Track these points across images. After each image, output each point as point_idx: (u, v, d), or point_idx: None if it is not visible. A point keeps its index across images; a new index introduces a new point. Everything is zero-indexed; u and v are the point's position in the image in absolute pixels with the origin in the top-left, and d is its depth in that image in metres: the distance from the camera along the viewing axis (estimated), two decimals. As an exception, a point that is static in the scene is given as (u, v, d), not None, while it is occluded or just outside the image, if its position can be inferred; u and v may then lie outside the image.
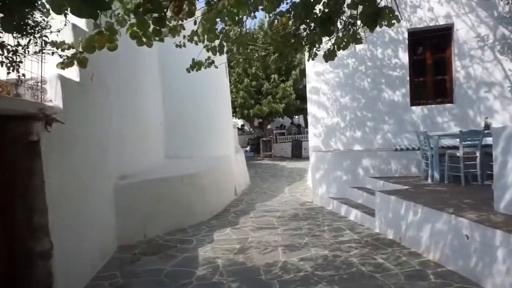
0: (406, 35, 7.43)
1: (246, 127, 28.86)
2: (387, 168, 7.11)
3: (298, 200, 8.64)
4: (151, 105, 7.59)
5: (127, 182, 5.58)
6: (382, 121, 7.64)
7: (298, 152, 21.02)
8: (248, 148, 22.38)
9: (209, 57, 5.36)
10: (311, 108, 8.13)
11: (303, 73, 17.85)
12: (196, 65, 4.99)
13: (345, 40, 5.07)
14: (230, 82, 17.60)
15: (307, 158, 20.52)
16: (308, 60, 5.89)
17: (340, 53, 7.68)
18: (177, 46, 4.93)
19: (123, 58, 6.21)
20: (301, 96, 18.34)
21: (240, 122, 28.39)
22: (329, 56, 5.16)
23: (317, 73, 8.02)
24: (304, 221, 6.47)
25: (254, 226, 6.28)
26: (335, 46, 5.15)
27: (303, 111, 20.72)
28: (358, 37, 5.19)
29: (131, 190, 5.59)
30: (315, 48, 5.34)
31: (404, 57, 7.46)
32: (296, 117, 27.77)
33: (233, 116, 18.91)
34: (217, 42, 4.73)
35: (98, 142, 4.87)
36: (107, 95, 5.29)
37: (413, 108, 7.45)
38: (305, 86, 18.83)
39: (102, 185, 4.96)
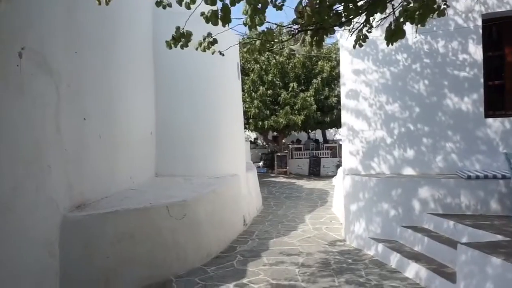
0: (479, 22, 5.53)
1: (259, 141, 27.04)
2: (454, 203, 5.12)
3: (325, 236, 6.67)
4: (137, 107, 5.81)
5: (82, 215, 3.76)
6: (444, 137, 5.68)
7: (316, 170, 19.01)
8: (261, 164, 20.50)
9: (209, 34, 3.59)
10: (346, 117, 6.24)
11: (325, 82, 16.02)
12: (181, 38, 3.20)
13: (422, 9, 3.22)
14: (243, 90, 15.87)
15: (326, 177, 18.51)
16: (355, 46, 4.09)
17: (387, 47, 5.84)
18: (157, 3, 3.17)
19: (90, 34, 4.47)
20: (322, 108, 16.46)
21: (252, 135, 26.64)
22: (397, 34, 3.30)
23: (356, 72, 6.15)
24: (340, 276, 4.52)
25: (269, 282, 4.35)
26: (405, 19, 3.31)
27: (323, 125, 18.80)
28: (442, 4, 3.37)
29: (88, 227, 3.77)
30: (372, 21, 3.52)
31: (476, 52, 5.54)
32: (313, 132, 25.76)
33: (245, 128, 17.13)
34: (219, 4, 2.98)
35: (28, 155, 3.08)
36: (54, 85, 3.53)
37: (489, 120, 5.49)
38: (326, 97, 17.02)
39: (32, 221, 3.15)
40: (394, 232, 5.37)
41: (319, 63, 15.99)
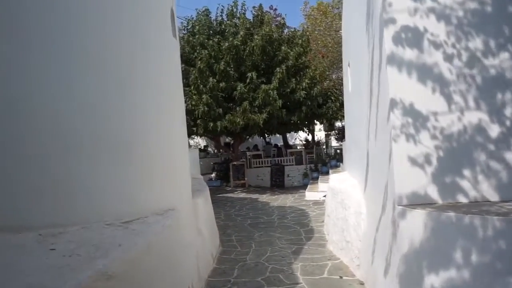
0: None
1: (210, 149, 23.37)
2: None
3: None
4: None
5: None
6: None
7: (279, 181, 15.92)
8: (213, 175, 16.97)
9: None
10: (399, 87, 3.02)
11: (290, 71, 12.96)
12: None
13: None
14: (188, 85, 12.31)
15: (292, 189, 15.02)
16: None
17: None
18: None
19: None
20: (287, 105, 13.35)
21: (201, 141, 22.93)
22: None
23: (417, -9, 2.99)
24: None
25: None
26: None
27: (288, 126, 15.70)
28: None
29: None
30: None
31: None
32: (269, 136, 22.46)
33: (192, 132, 13.52)
34: None
35: None
36: None
37: None
38: (293, 90, 13.91)
39: None
40: None
41: (283, 48, 12.89)
